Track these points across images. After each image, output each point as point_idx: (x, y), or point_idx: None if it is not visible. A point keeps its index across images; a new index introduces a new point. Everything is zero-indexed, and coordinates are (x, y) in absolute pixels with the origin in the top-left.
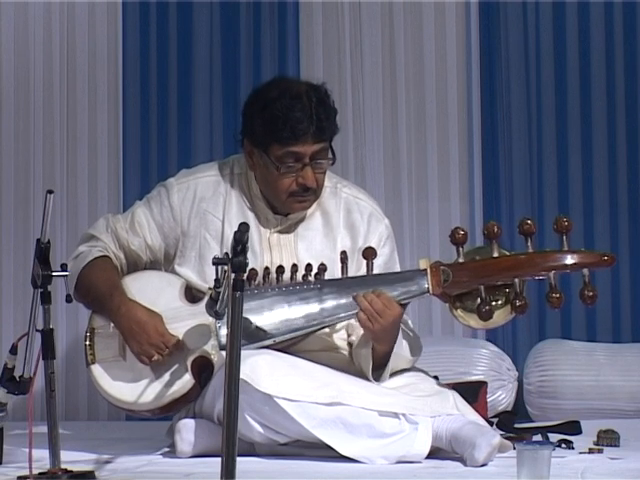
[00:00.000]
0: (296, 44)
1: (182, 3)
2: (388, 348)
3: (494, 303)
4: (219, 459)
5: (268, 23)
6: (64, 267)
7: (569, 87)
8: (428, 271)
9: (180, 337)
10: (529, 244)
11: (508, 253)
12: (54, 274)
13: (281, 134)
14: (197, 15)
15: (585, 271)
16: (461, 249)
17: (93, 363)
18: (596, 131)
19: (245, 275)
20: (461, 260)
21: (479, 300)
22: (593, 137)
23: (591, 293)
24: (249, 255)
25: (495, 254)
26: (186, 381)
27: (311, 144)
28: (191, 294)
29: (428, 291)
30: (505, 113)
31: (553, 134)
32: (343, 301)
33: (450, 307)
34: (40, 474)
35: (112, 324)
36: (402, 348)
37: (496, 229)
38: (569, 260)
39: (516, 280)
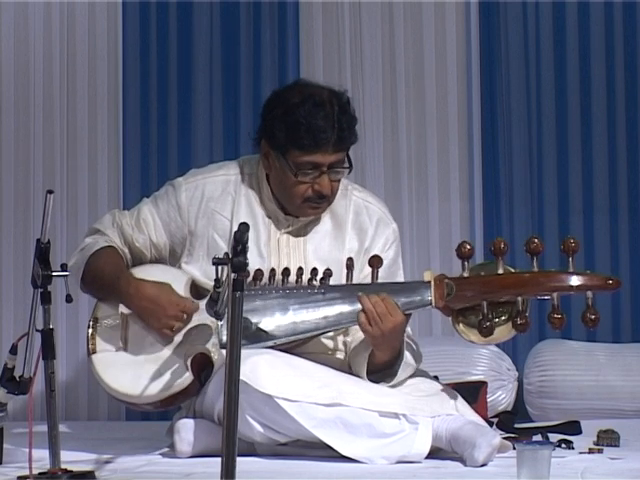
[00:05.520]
0: (296, 44)
1: (182, 3)
2: (387, 357)
3: (496, 320)
4: (219, 459)
5: (268, 23)
6: (64, 267)
7: (569, 87)
8: (432, 284)
9: (182, 334)
10: (534, 263)
11: (513, 270)
12: (54, 274)
13: (302, 141)
14: (197, 15)
15: (589, 293)
16: (466, 263)
17: (94, 353)
18: (596, 131)
19: (251, 275)
20: (466, 274)
21: (481, 316)
22: (593, 137)
23: (593, 316)
24: (256, 256)
25: (500, 271)
26: (185, 377)
27: (331, 154)
28: (196, 290)
29: (431, 303)
30: (505, 113)
31: (553, 134)
32: (346, 308)
33: (452, 321)
34: (40, 474)
35: (120, 312)
36: (407, 358)
37: (502, 245)
38: (573, 282)
39: (519, 298)
